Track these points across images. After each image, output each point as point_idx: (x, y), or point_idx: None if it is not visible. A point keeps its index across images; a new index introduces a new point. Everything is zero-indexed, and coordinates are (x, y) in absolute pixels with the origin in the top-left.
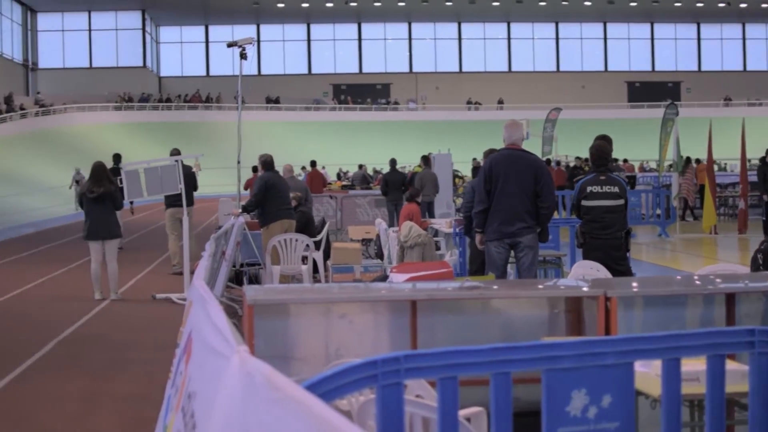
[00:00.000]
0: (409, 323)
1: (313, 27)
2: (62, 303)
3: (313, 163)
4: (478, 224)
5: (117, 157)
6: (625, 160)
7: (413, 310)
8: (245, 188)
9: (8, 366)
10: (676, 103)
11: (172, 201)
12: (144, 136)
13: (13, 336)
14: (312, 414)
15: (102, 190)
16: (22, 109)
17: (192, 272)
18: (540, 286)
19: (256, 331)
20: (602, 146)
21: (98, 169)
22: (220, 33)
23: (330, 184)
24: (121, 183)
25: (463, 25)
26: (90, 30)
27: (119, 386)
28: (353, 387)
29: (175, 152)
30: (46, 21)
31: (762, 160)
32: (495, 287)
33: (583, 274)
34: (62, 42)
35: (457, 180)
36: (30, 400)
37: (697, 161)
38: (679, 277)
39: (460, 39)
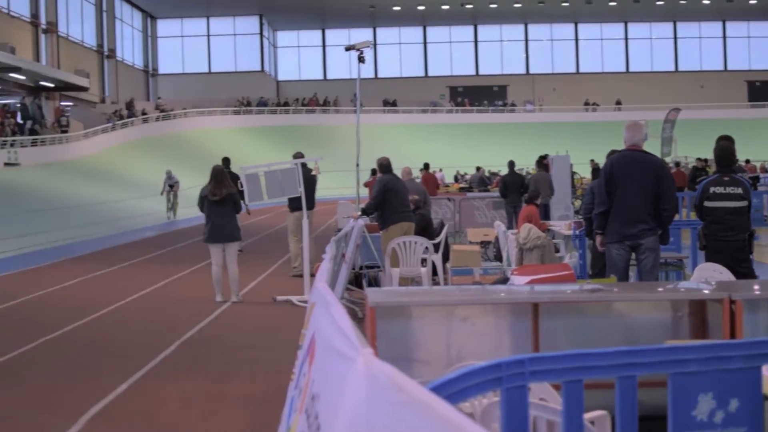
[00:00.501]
0: (531, 326)
1: (429, 29)
2: (184, 305)
3: (426, 166)
4: (599, 226)
5: (226, 161)
6: (747, 161)
7: (535, 312)
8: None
9: (134, 366)
10: None
11: (297, 204)
12: (261, 140)
13: (138, 337)
14: (438, 416)
15: (224, 194)
16: (143, 114)
17: (312, 275)
18: (662, 289)
19: (378, 333)
20: (727, 146)
21: (219, 172)
22: (337, 36)
23: (447, 186)
24: (241, 186)
25: (580, 26)
26: (209, 35)
27: (241, 387)
28: (477, 390)
29: (299, 155)
30: (165, 27)
31: None
32: (616, 290)
33: (706, 277)
34: (181, 48)
35: (576, 181)
36: (154, 400)
37: None
38: None
39: (576, 40)
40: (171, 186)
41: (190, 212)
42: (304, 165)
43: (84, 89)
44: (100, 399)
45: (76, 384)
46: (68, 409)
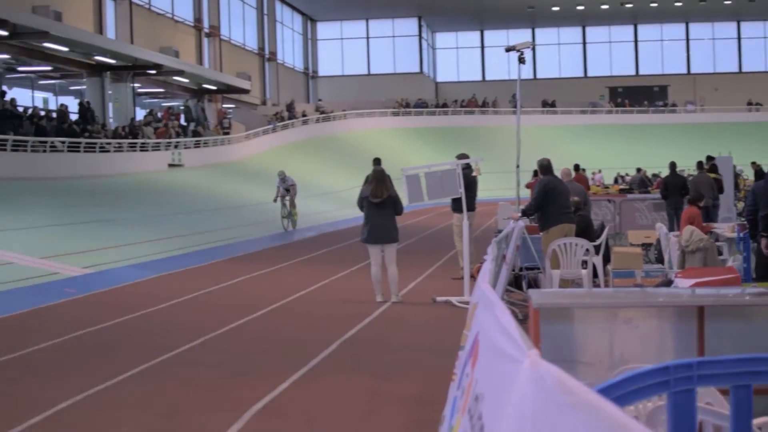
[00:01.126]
0: (696, 330)
1: (588, 29)
2: (345, 305)
3: (577, 167)
4: (765, 228)
5: (377, 161)
6: None
7: (700, 316)
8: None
9: (295, 365)
10: None
11: (459, 205)
12: (419, 142)
13: (299, 336)
14: (608, 419)
15: (385, 195)
16: (303, 115)
17: (471, 276)
18: None
19: (542, 334)
20: None
21: (380, 174)
22: (496, 37)
23: (607, 187)
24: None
25: (743, 24)
26: (368, 37)
27: (401, 387)
28: (644, 393)
29: (463, 156)
30: (325, 30)
31: None
32: None
33: None
34: (341, 50)
35: (740, 182)
36: (316, 398)
37: None
38: None
39: (739, 38)
40: (287, 190)
41: (350, 213)
42: (465, 166)
43: (246, 91)
44: (263, 396)
45: (239, 381)
46: (232, 405)
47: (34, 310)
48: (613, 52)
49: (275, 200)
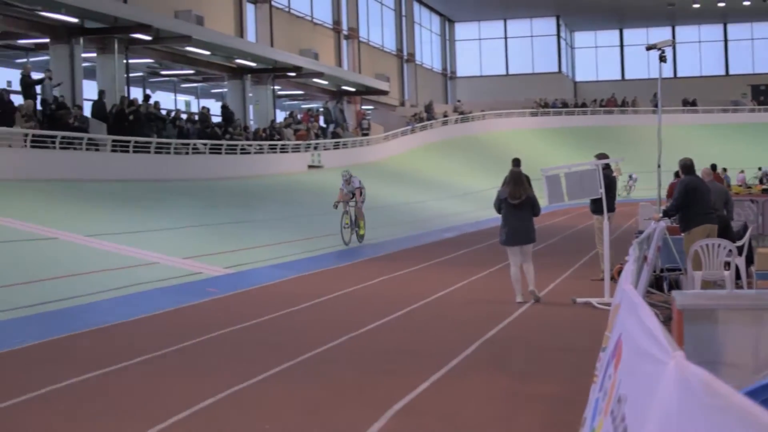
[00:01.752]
0: None
1: (729, 26)
2: (484, 305)
3: (714, 167)
4: None
5: (516, 162)
6: None
7: None
8: (668, 195)
9: (436, 364)
10: None
11: (598, 206)
12: (559, 142)
13: (439, 336)
14: (757, 423)
15: (524, 197)
16: (444, 116)
17: (612, 278)
18: None
19: (685, 336)
20: None
21: (518, 176)
22: (635, 36)
23: (750, 187)
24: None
25: None
26: (506, 37)
27: (541, 387)
28: None
29: (602, 156)
30: (463, 30)
31: None
32: None
33: None
34: (479, 50)
35: None
36: (457, 399)
37: None
38: None
39: None
40: (352, 194)
41: (489, 213)
42: (606, 166)
43: (384, 93)
44: (404, 395)
45: (380, 380)
46: (372, 404)
47: (177, 309)
48: (755, 49)
49: (335, 206)
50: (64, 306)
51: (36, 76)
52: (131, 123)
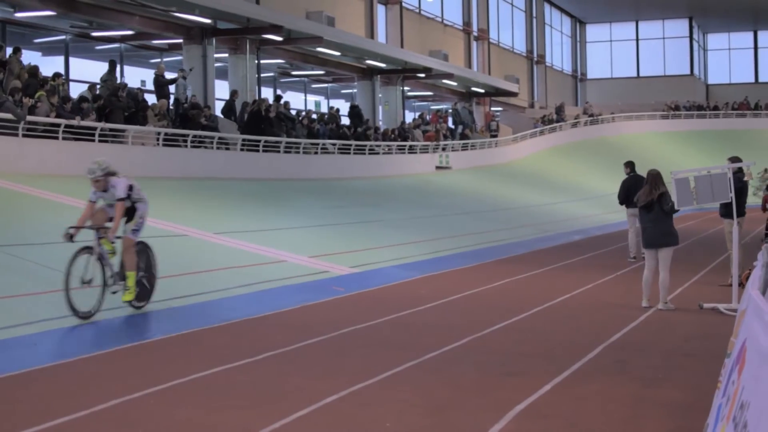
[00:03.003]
0: None
1: None
2: (609, 309)
3: None
4: None
5: (631, 165)
6: None
7: None
8: None
9: (559, 367)
10: None
11: (728, 210)
12: (690, 145)
13: (563, 339)
14: None
15: (650, 199)
16: (575, 118)
17: (740, 283)
18: None
19: None
20: None
21: (655, 176)
22: None
23: None
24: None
25: None
26: (637, 39)
27: (664, 393)
28: None
29: (735, 159)
30: (594, 32)
31: None
32: None
33: None
34: (610, 52)
35: None
36: (580, 402)
37: None
38: None
39: None
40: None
41: (618, 217)
42: (737, 170)
43: (514, 94)
44: (526, 397)
45: (503, 381)
46: (494, 406)
47: (303, 307)
48: None
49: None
50: (193, 302)
51: (169, 75)
52: (262, 122)
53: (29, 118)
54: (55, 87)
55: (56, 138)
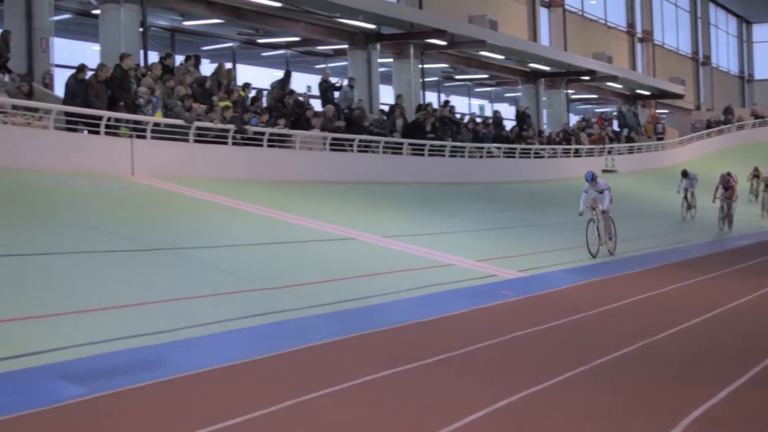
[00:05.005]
0: None
1: None
2: None
3: None
4: None
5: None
6: None
7: None
8: None
9: (735, 373)
10: None
11: None
12: None
13: (738, 344)
14: None
15: None
16: (738, 120)
17: None
18: None
19: None
20: None
21: None
22: None
23: None
24: None
25: None
26: None
27: None
28: None
29: None
30: (761, 32)
31: None
32: None
33: None
34: None
35: None
36: (756, 410)
37: None
38: None
39: None
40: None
41: None
42: None
43: (679, 96)
44: (699, 405)
45: (676, 388)
46: (668, 412)
47: (472, 311)
48: None
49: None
50: (362, 305)
51: (335, 81)
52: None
53: (201, 124)
54: (243, 98)
55: (225, 143)
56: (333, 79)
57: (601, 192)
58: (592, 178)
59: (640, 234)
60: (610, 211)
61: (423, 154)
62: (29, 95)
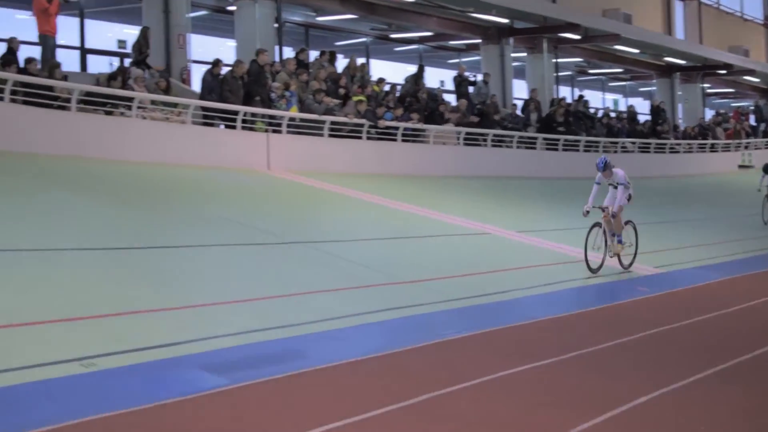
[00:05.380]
0: None
1: None
2: None
3: None
4: None
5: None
6: None
7: None
8: None
9: None
10: None
11: None
12: None
13: None
14: None
15: None
16: None
17: None
18: None
19: None
20: None
21: None
22: None
23: None
24: None
25: None
26: None
27: None
28: None
29: None
30: None
31: None
32: None
33: None
34: None
35: None
36: None
37: None
38: None
39: None
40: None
41: None
42: None
43: None
44: None
45: None
46: None
47: (607, 307)
48: None
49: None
50: (495, 300)
51: (470, 76)
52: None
53: (334, 118)
54: (377, 93)
55: (359, 138)
56: (467, 74)
57: (616, 187)
58: (604, 167)
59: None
60: (624, 208)
61: (557, 149)
62: (166, 91)
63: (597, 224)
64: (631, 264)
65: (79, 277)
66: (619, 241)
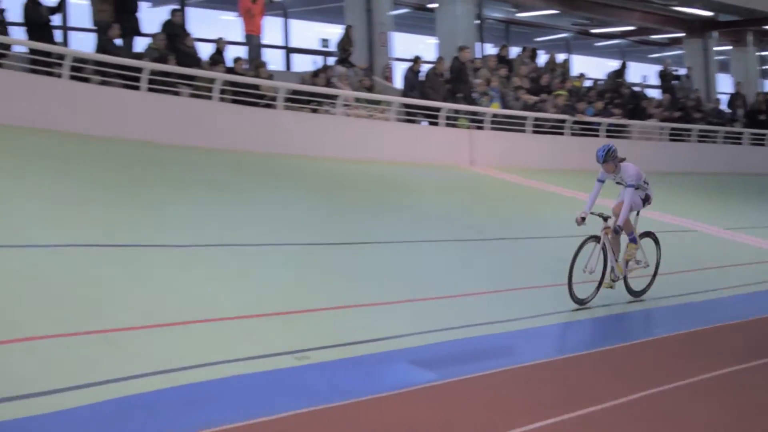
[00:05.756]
0: None
1: None
2: None
3: None
4: None
5: None
6: None
7: None
8: None
9: None
10: None
11: None
12: None
13: None
14: None
15: None
16: None
17: None
18: None
19: None
20: None
21: None
22: None
23: None
24: None
25: None
26: None
27: None
28: None
29: None
30: None
31: None
32: None
33: None
34: None
35: None
36: None
37: None
38: None
39: None
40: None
41: None
42: None
43: None
44: None
45: None
46: None
47: None
48: None
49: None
50: (706, 298)
51: (674, 70)
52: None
53: (535, 114)
54: (578, 88)
55: (562, 134)
56: (671, 69)
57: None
58: (604, 157)
59: None
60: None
61: (763, 144)
62: (370, 89)
63: (594, 238)
64: (644, 291)
65: (294, 273)
66: (632, 265)
